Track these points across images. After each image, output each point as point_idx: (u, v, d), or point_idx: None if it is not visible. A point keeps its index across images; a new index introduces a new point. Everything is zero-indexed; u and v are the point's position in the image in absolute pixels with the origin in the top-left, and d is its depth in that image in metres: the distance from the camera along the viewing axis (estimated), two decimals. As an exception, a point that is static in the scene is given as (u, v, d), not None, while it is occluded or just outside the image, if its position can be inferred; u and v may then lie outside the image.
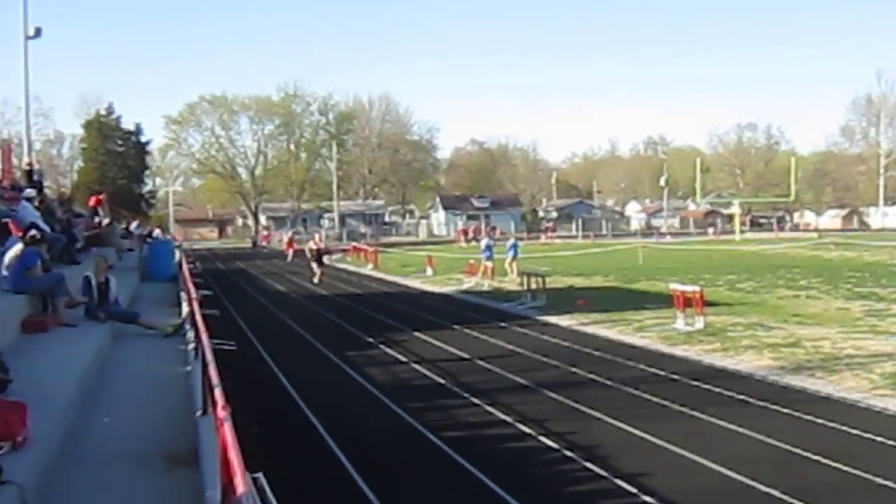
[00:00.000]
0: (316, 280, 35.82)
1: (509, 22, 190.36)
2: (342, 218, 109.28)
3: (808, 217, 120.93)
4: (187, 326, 13.96)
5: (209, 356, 7.84)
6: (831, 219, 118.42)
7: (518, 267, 34.69)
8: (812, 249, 54.60)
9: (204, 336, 9.17)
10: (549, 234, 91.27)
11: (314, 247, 37.33)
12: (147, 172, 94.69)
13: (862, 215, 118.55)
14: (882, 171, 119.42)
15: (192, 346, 11.98)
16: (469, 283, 33.88)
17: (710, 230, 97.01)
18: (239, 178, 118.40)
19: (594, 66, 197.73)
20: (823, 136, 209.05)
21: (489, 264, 34.52)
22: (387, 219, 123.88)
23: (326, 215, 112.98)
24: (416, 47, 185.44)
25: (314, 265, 36.73)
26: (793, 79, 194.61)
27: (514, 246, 37.09)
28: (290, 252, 55.39)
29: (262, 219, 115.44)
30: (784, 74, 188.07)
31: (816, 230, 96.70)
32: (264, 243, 64.83)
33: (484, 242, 36.12)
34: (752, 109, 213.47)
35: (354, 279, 39.75)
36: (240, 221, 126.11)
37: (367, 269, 45.82)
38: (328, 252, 43.32)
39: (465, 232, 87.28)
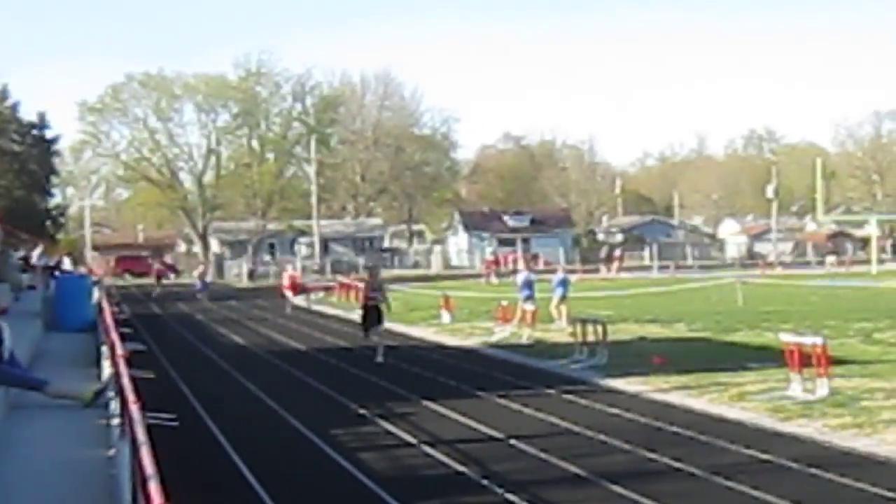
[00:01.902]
0: (379, 358, 27.08)
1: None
2: (324, 243, 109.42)
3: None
4: (110, 393, 13.97)
5: (141, 435, 7.85)
6: None
7: (569, 311, 34.61)
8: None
9: (134, 407, 9.18)
10: (613, 264, 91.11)
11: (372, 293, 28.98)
12: (55, 180, 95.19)
13: None
14: None
15: (116, 421, 11.98)
16: (501, 333, 33.79)
17: (832, 259, 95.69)
18: (181, 189, 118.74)
19: (672, 35, 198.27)
20: None
21: (529, 307, 34.44)
22: (386, 244, 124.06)
23: (302, 239, 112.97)
24: (428, 3, 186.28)
25: (375, 336, 28.20)
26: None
27: (564, 282, 37.02)
28: (291, 294, 51.92)
29: (214, 244, 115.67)
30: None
31: None
32: (156, 280, 65.67)
33: (522, 277, 36.00)
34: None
35: (341, 328, 39.69)
36: (182, 247, 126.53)
37: (360, 314, 45.66)
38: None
39: (496, 262, 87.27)
